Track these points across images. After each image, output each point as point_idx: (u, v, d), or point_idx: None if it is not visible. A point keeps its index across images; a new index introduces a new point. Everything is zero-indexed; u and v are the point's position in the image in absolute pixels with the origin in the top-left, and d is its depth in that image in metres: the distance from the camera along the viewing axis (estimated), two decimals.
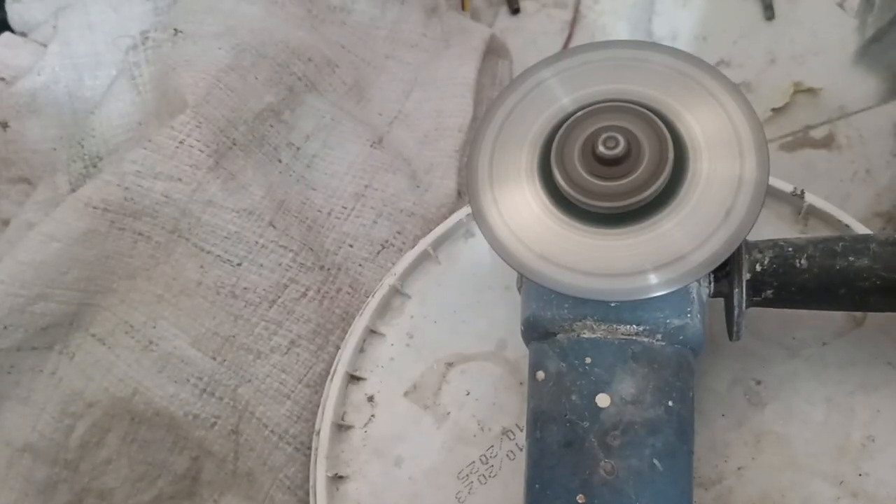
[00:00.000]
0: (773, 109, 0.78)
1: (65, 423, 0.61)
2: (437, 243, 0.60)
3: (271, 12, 0.70)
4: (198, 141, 0.58)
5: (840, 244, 0.42)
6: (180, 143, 0.58)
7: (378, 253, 0.63)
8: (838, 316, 0.49)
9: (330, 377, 0.55)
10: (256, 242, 0.58)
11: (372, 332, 0.57)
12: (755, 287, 0.42)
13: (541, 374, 0.42)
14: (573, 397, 0.40)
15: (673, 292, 0.39)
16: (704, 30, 0.85)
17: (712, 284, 0.43)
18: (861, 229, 0.52)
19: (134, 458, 0.62)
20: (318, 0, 0.76)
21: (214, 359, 0.58)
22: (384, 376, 0.56)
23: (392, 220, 0.65)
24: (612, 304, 0.41)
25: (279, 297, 0.58)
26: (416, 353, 0.56)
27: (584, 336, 0.41)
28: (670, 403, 0.40)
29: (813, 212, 0.54)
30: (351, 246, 0.63)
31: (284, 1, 0.72)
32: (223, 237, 0.58)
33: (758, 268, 0.42)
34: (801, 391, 0.47)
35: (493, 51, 0.79)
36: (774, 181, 0.54)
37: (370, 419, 0.55)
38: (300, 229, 0.61)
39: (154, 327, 0.60)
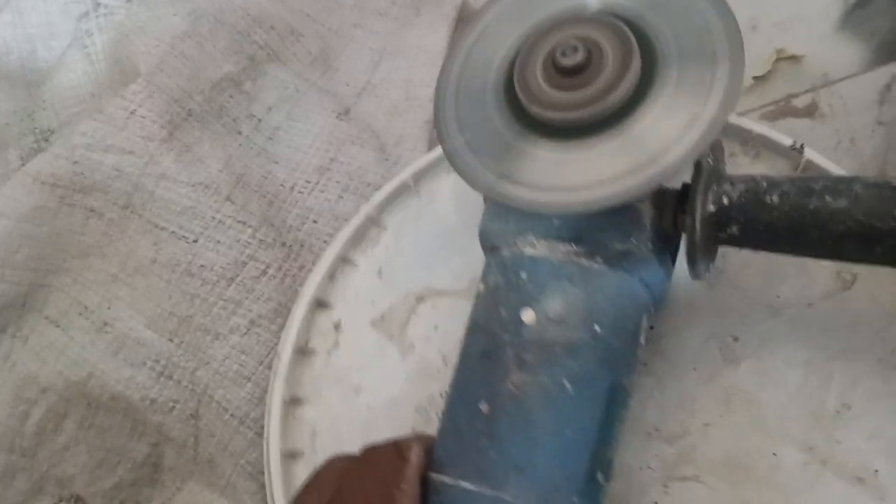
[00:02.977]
0: (755, 77, 0.76)
1: (20, 408, 0.59)
2: (419, 175, 0.57)
3: None
4: (150, 111, 0.55)
5: (820, 183, 0.37)
6: (131, 113, 0.55)
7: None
8: (826, 277, 0.46)
9: (296, 302, 0.54)
10: (213, 218, 0.56)
11: (344, 260, 0.55)
12: (720, 222, 0.39)
13: (481, 286, 0.42)
14: (501, 310, 0.39)
15: (621, 215, 0.38)
16: None
17: (677, 216, 0.40)
18: None
19: (92, 444, 0.60)
20: None
21: (171, 340, 0.56)
22: (353, 305, 0.54)
23: (358, 195, 0.62)
24: (556, 222, 0.39)
25: (238, 275, 0.56)
26: (388, 284, 0.54)
27: (526, 252, 0.40)
28: (597, 328, 0.38)
29: (811, 167, 0.52)
30: (315, 222, 0.60)
31: None
32: (178, 212, 0.55)
33: (725, 200, 0.38)
34: (780, 352, 0.45)
35: (466, 18, 0.76)
36: (773, 133, 0.52)
37: (334, 346, 0.53)
38: (260, 204, 0.59)
39: (109, 308, 0.57)
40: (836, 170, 0.50)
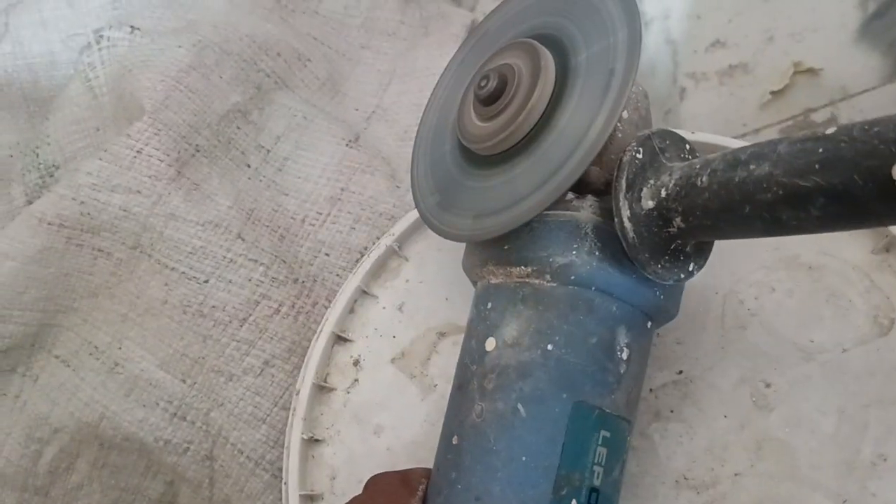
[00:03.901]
0: (772, 92, 0.74)
1: (32, 448, 0.58)
2: None
3: (236, 4, 0.66)
4: (157, 150, 0.54)
5: (748, 151, 0.32)
6: (138, 152, 0.54)
7: (357, 262, 0.60)
8: (862, 321, 0.45)
9: (316, 336, 0.52)
10: (224, 257, 0.55)
11: (364, 292, 0.54)
12: (662, 216, 0.35)
13: (465, 322, 0.42)
14: (472, 342, 0.39)
15: (559, 229, 0.37)
16: (698, 8, 0.80)
17: (610, 222, 0.38)
18: None
19: (106, 483, 0.59)
20: None
21: (184, 381, 0.55)
22: (372, 340, 0.53)
23: (371, 225, 0.61)
24: (506, 247, 0.39)
25: (250, 314, 0.54)
26: (409, 318, 0.52)
27: (491, 282, 0.40)
28: (549, 347, 0.36)
29: None
30: (327, 255, 0.59)
31: None
32: (188, 252, 0.54)
33: (663, 193, 0.35)
34: (813, 398, 0.43)
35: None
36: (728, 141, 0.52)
37: (354, 383, 0.52)
38: (271, 240, 0.58)
39: (119, 348, 0.56)
40: None
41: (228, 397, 0.54)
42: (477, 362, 0.38)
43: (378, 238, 0.60)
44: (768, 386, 0.44)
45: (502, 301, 0.38)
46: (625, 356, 0.37)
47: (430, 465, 0.48)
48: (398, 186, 0.64)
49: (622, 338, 0.37)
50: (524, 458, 0.35)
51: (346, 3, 0.73)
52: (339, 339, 0.53)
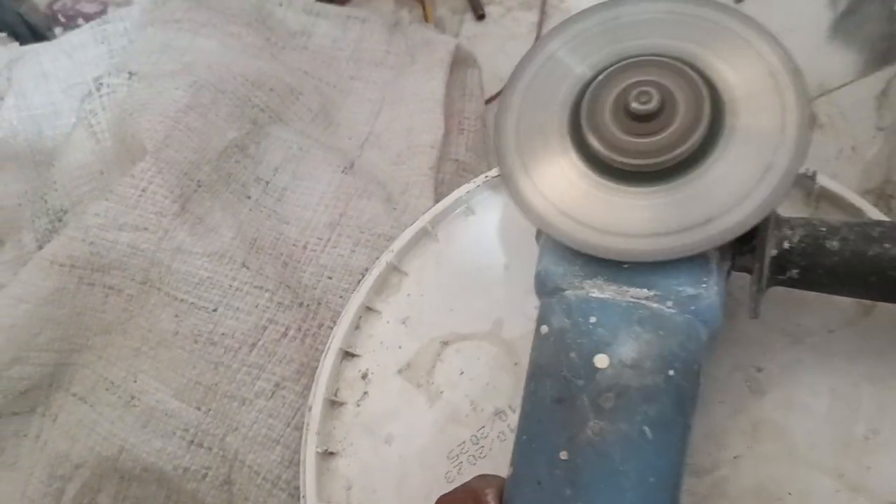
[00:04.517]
0: None
1: (54, 486, 0.60)
2: (437, 220, 0.58)
3: (228, 45, 0.68)
4: (160, 187, 0.56)
5: (877, 230, 0.39)
6: (143, 191, 0.56)
7: (359, 282, 0.62)
8: (846, 304, 0.46)
9: (324, 353, 0.54)
10: (230, 286, 0.57)
11: (368, 308, 0.56)
12: (781, 265, 0.40)
13: (544, 329, 0.41)
14: (572, 354, 0.39)
15: (691, 260, 0.38)
16: None
17: (735, 257, 0.41)
18: (873, 211, 0.50)
19: None
20: (276, 26, 0.74)
21: (199, 409, 0.56)
22: (379, 353, 0.54)
23: (370, 247, 0.63)
24: (625, 266, 0.39)
25: (259, 339, 0.56)
26: (412, 330, 0.54)
27: (593, 295, 0.39)
28: (671, 373, 0.38)
29: (825, 194, 0.52)
30: (330, 278, 0.61)
31: (241, 31, 0.70)
32: (195, 283, 0.56)
33: (786, 245, 0.39)
34: (804, 380, 0.45)
35: (461, 61, 0.77)
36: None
37: (363, 396, 0.53)
38: (275, 267, 0.60)
39: (135, 381, 0.58)
40: (847, 195, 0.50)
41: (242, 421, 0.56)
42: (585, 378, 0.38)
43: (378, 258, 0.62)
44: (760, 371, 0.45)
45: (613, 318, 0.39)
46: (702, 380, 0.40)
47: (441, 468, 0.50)
48: (394, 208, 0.66)
49: (703, 364, 0.40)
50: (652, 480, 0.36)
51: (334, 37, 0.76)
52: (347, 354, 0.55)
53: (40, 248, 0.63)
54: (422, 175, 0.68)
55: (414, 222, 0.58)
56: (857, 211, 0.49)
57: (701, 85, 0.38)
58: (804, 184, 0.51)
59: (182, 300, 0.56)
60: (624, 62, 0.41)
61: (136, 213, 0.56)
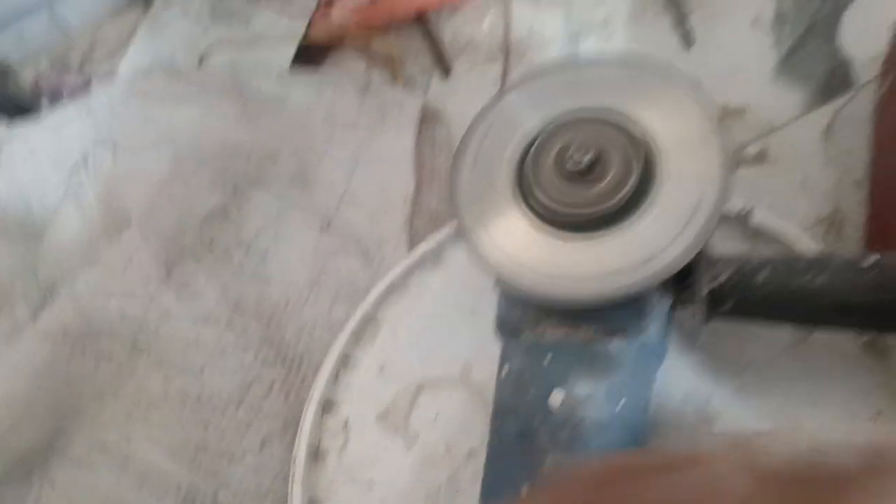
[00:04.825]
0: None
1: None
2: (408, 272, 0.61)
3: (207, 114, 0.72)
4: (146, 255, 0.59)
5: (801, 263, 0.43)
6: (129, 259, 0.59)
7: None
8: (785, 331, 0.50)
9: (306, 405, 0.57)
10: (216, 347, 0.59)
11: (346, 359, 0.59)
12: (716, 300, 0.43)
13: (506, 369, 0.44)
14: (531, 392, 0.42)
15: (634, 299, 0.41)
16: None
17: (676, 294, 0.45)
18: (807, 242, 0.53)
19: None
20: (252, 95, 0.78)
21: (190, 467, 0.59)
22: (358, 402, 0.57)
23: (349, 301, 0.66)
24: (575, 307, 0.42)
25: (245, 397, 0.59)
26: (388, 378, 0.57)
27: (547, 336, 0.43)
28: (622, 402, 0.41)
29: (761, 229, 0.55)
30: (311, 334, 0.64)
31: (219, 101, 0.74)
32: (182, 346, 0.59)
33: (719, 281, 0.43)
34: (751, 405, 0.48)
35: (429, 118, 0.81)
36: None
37: (344, 444, 0.56)
38: (259, 326, 0.63)
39: (128, 443, 0.60)
40: (782, 227, 0.54)
41: (232, 477, 0.58)
42: (542, 414, 0.41)
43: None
44: (710, 399, 0.48)
45: (566, 357, 0.42)
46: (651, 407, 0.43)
47: None
48: (371, 263, 0.69)
49: (652, 393, 0.44)
50: None
51: (308, 102, 0.80)
52: (328, 405, 0.58)
53: (33, 319, 0.66)
54: (396, 229, 0.72)
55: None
56: (791, 243, 0.52)
57: (632, 139, 0.42)
58: (742, 220, 0.54)
59: (170, 363, 0.59)
60: (564, 119, 0.45)
61: (123, 280, 0.59)
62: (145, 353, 0.59)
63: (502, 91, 0.49)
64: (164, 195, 0.62)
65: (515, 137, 0.46)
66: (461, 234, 0.45)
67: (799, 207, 0.77)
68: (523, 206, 0.44)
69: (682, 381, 0.49)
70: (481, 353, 0.47)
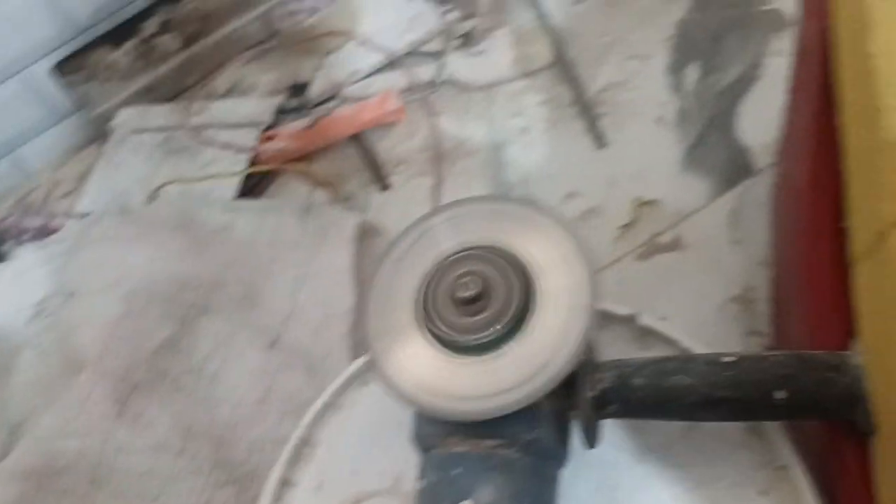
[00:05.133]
0: (622, 227, 0.87)
1: None
2: (338, 393, 0.65)
3: (157, 252, 0.78)
4: (100, 395, 0.64)
5: (670, 365, 0.48)
6: (85, 400, 0.64)
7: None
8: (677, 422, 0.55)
9: None
10: (170, 474, 0.64)
11: (285, 482, 0.62)
12: (600, 403, 0.48)
13: (422, 483, 0.48)
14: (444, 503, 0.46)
15: (525, 409, 0.45)
16: (550, 169, 0.95)
17: (568, 399, 0.50)
18: (689, 342, 0.59)
19: None
20: (200, 227, 0.85)
21: None
22: None
23: (297, 415, 0.70)
24: (476, 422, 0.46)
25: None
26: (326, 497, 0.60)
27: (455, 450, 0.47)
28: None
29: (648, 331, 0.61)
30: (261, 451, 0.68)
31: (168, 238, 0.80)
32: (137, 477, 0.63)
33: (601, 386, 0.48)
34: (652, 491, 0.52)
35: (368, 232, 0.88)
36: (611, 306, 0.61)
37: None
38: (210, 448, 0.67)
39: None
40: (666, 330, 0.59)
41: None
42: None
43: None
44: (616, 488, 0.53)
45: (473, 468, 0.46)
46: None
47: None
48: (316, 376, 0.74)
49: (556, 493, 0.48)
50: None
51: (253, 228, 0.86)
52: None
53: (3, 457, 0.70)
54: (339, 341, 0.77)
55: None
56: (675, 342, 0.58)
57: (512, 269, 0.48)
58: (629, 323, 0.60)
59: (127, 494, 0.63)
60: (457, 254, 0.51)
61: (80, 421, 0.63)
62: (104, 487, 0.63)
63: (404, 231, 0.54)
64: (116, 335, 0.67)
65: (419, 269, 0.52)
66: (372, 364, 0.50)
67: (712, 289, 0.83)
68: (425, 334, 0.50)
69: (590, 475, 0.54)
70: (411, 465, 0.51)
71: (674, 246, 0.86)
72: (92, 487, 0.64)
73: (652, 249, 0.86)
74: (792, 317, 0.63)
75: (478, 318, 0.48)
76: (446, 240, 0.53)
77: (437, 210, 0.55)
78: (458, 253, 0.51)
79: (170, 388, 0.70)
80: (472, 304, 0.48)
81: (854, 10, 0.41)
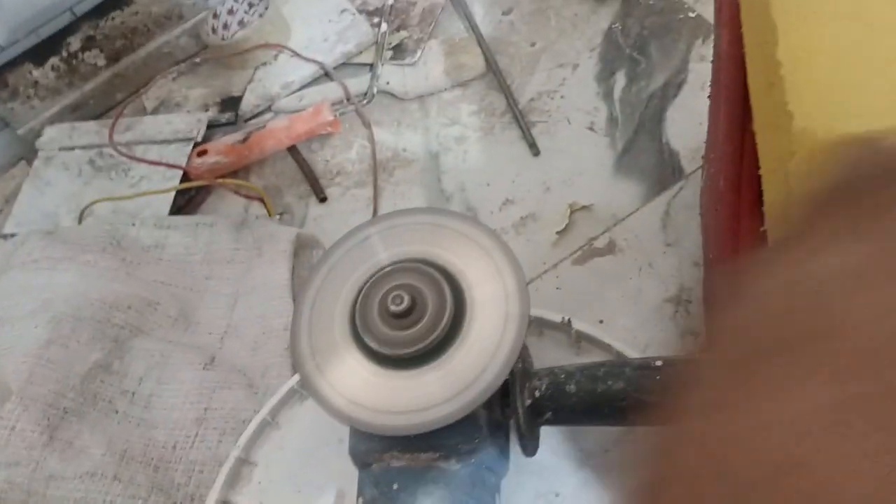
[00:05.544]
0: (558, 232, 0.88)
1: None
2: (275, 410, 0.64)
3: (85, 274, 0.76)
4: (28, 424, 0.62)
5: (601, 370, 0.48)
6: (11, 429, 0.62)
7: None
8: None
9: None
10: (104, 501, 0.62)
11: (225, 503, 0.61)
12: (536, 411, 0.48)
13: (360, 501, 0.48)
14: None
15: (462, 420, 0.45)
16: (486, 177, 0.96)
17: (503, 409, 0.50)
18: (621, 346, 0.60)
19: None
20: (130, 246, 0.83)
21: None
22: None
23: (237, 434, 0.69)
24: (412, 436, 0.46)
25: None
26: None
27: (393, 465, 0.47)
28: None
29: (583, 336, 0.62)
30: (201, 472, 0.67)
31: (97, 258, 0.78)
32: None
33: (536, 394, 0.48)
34: (592, 496, 0.53)
35: (304, 245, 0.87)
36: (546, 313, 0.62)
37: None
38: (146, 473, 0.65)
39: None
40: (599, 334, 0.60)
41: None
42: None
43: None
44: (557, 495, 0.54)
45: (411, 482, 0.46)
46: None
47: None
48: (255, 393, 0.73)
49: (498, 501, 0.49)
50: None
51: (186, 245, 0.84)
52: None
53: None
54: (278, 356, 0.76)
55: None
56: (607, 346, 0.59)
57: (443, 282, 0.48)
58: (564, 329, 0.61)
59: None
60: (386, 269, 0.51)
61: (8, 451, 0.61)
62: None
63: (332, 247, 0.54)
64: (42, 362, 0.65)
65: (347, 285, 0.52)
66: (303, 383, 0.50)
67: (648, 290, 0.85)
68: (356, 349, 0.49)
69: (530, 482, 0.55)
70: (352, 481, 0.51)
71: (609, 249, 0.87)
72: None
73: (588, 254, 0.87)
74: None
75: (410, 331, 0.48)
76: (377, 254, 0.53)
77: (364, 225, 0.55)
78: (388, 266, 0.51)
79: (103, 412, 0.68)
80: (404, 317, 0.48)
81: (760, 20, 0.43)
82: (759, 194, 0.50)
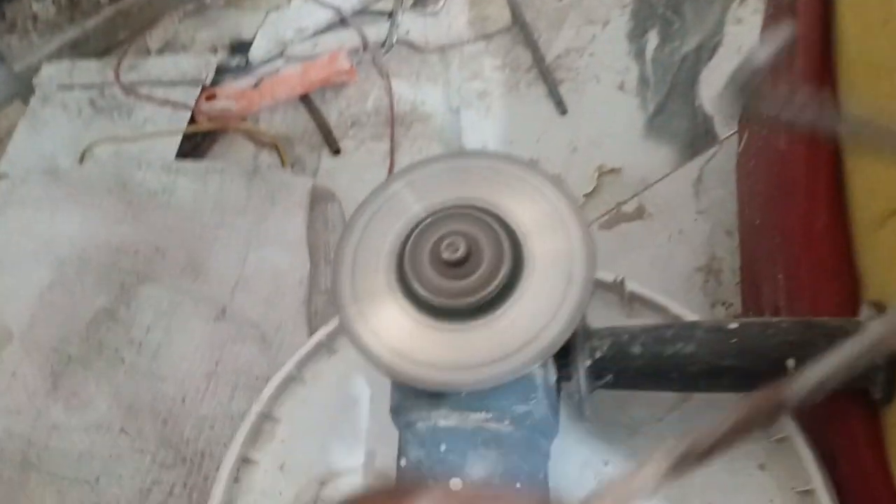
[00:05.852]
0: (585, 195, 0.85)
1: None
2: (301, 364, 0.60)
3: (89, 216, 0.71)
4: (30, 369, 0.58)
5: (670, 332, 0.45)
6: (12, 375, 0.58)
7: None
8: (669, 393, 0.52)
9: None
10: (111, 454, 0.58)
11: (245, 460, 0.57)
12: (596, 372, 0.45)
13: (403, 461, 0.44)
14: (430, 482, 0.42)
15: (519, 380, 0.42)
16: (510, 134, 0.91)
17: (560, 370, 0.46)
18: (679, 309, 0.56)
19: None
20: (137, 189, 0.78)
21: None
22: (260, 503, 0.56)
23: (249, 390, 0.66)
24: (464, 394, 0.43)
25: (145, 503, 0.58)
26: (290, 476, 0.56)
27: (440, 424, 0.43)
28: (518, 486, 0.42)
29: (635, 297, 0.58)
30: (211, 428, 0.63)
31: (101, 200, 0.73)
32: (75, 458, 0.57)
33: (597, 355, 0.45)
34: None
35: (320, 197, 0.83)
36: (599, 273, 0.59)
37: None
38: (155, 426, 0.61)
39: None
40: (654, 296, 0.56)
41: None
42: None
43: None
44: (607, 464, 0.50)
45: (460, 444, 0.43)
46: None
47: None
48: (270, 348, 0.69)
49: (547, 468, 0.45)
50: None
51: (195, 191, 0.80)
52: None
53: None
54: (293, 312, 0.72)
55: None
56: (663, 308, 0.55)
57: (501, 230, 0.44)
58: (617, 290, 0.57)
59: (63, 477, 0.57)
60: (439, 212, 0.47)
61: (7, 397, 0.57)
62: (36, 469, 0.57)
63: (384, 182, 0.50)
64: (45, 305, 0.61)
65: (395, 229, 0.48)
66: (344, 328, 0.46)
67: (677, 258, 0.82)
68: (403, 298, 0.45)
69: (578, 450, 0.51)
70: (385, 440, 0.47)
71: (638, 214, 0.84)
72: (23, 470, 0.58)
73: (616, 218, 0.84)
74: (771, 284, 0.61)
75: (463, 282, 0.44)
76: (430, 195, 0.49)
77: (408, 168, 0.51)
78: (436, 213, 0.47)
79: (109, 362, 0.64)
80: (458, 266, 0.44)
81: None
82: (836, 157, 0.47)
